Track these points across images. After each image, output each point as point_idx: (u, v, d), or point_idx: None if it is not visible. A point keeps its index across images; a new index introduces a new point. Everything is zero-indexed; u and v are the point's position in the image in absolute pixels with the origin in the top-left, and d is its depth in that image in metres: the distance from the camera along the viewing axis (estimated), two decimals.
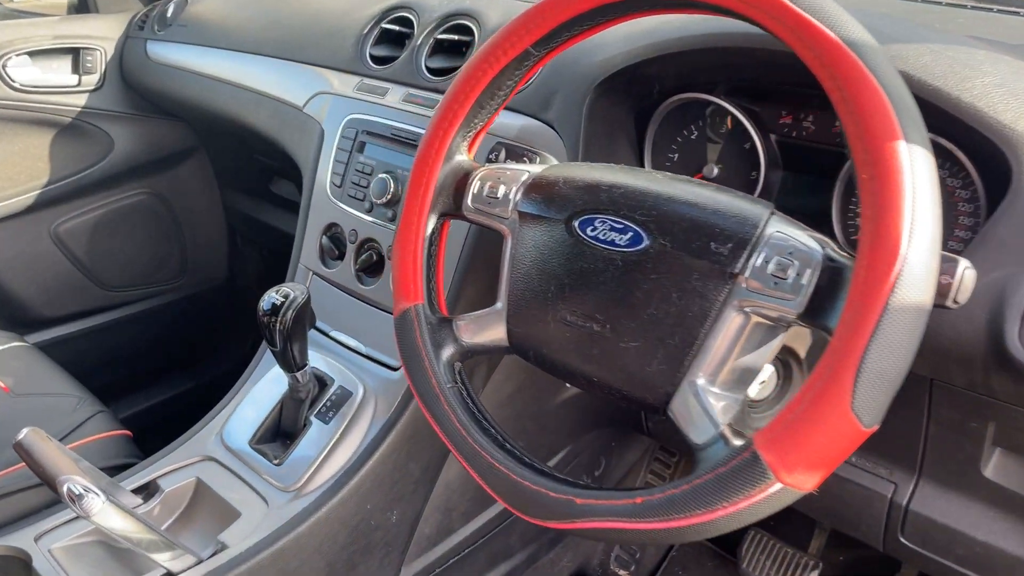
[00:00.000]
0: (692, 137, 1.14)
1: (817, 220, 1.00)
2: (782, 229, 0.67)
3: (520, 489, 0.72)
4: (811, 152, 1.04)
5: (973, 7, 1.16)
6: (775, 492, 0.59)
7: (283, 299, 1.08)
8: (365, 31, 1.38)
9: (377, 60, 1.34)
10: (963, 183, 0.90)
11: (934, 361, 0.83)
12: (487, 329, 0.83)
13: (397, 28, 1.34)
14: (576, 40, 0.81)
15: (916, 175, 0.56)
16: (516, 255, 0.81)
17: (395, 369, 1.21)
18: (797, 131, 1.05)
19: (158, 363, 2.22)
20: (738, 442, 0.64)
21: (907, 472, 1.08)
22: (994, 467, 0.99)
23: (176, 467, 1.20)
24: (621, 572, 1.66)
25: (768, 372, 0.82)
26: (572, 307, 0.75)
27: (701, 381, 0.68)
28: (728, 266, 0.66)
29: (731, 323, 0.67)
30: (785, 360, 0.84)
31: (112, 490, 1.07)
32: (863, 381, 0.56)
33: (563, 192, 0.78)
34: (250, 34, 1.59)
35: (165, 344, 2.22)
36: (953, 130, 0.82)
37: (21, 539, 1.05)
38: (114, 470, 1.22)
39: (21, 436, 0.97)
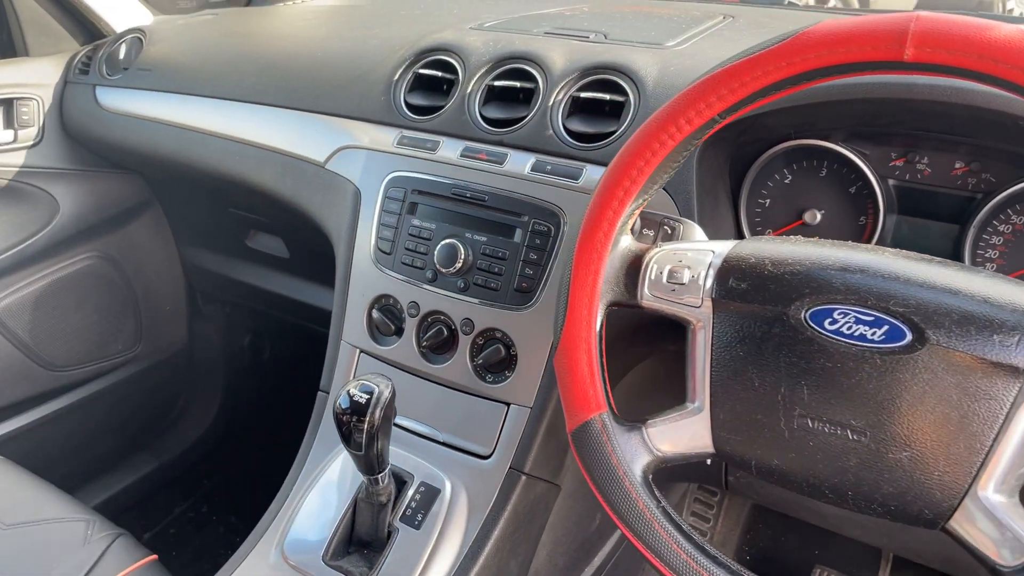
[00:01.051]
0: (785, 182, 1.08)
1: None
2: None
3: None
4: (927, 195, 1.01)
5: None
6: None
7: (367, 395, 0.93)
8: (396, 77, 1.23)
9: (415, 109, 1.20)
10: None
11: None
12: (686, 435, 0.73)
13: (437, 73, 1.21)
14: (762, 103, 0.72)
15: None
16: (719, 349, 0.71)
17: (484, 457, 1.09)
18: (911, 174, 1.01)
19: (119, 444, 1.96)
20: None
21: None
22: None
23: None
24: None
25: None
26: (815, 412, 0.66)
27: (990, 492, 0.61)
28: (1019, 362, 0.60)
29: (1022, 424, 0.61)
30: None
31: None
32: None
33: (775, 276, 0.69)
34: (242, 80, 1.40)
35: (125, 423, 1.97)
36: None
37: None
38: None
39: None
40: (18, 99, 1.60)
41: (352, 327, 1.20)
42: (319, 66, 1.34)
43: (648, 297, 0.75)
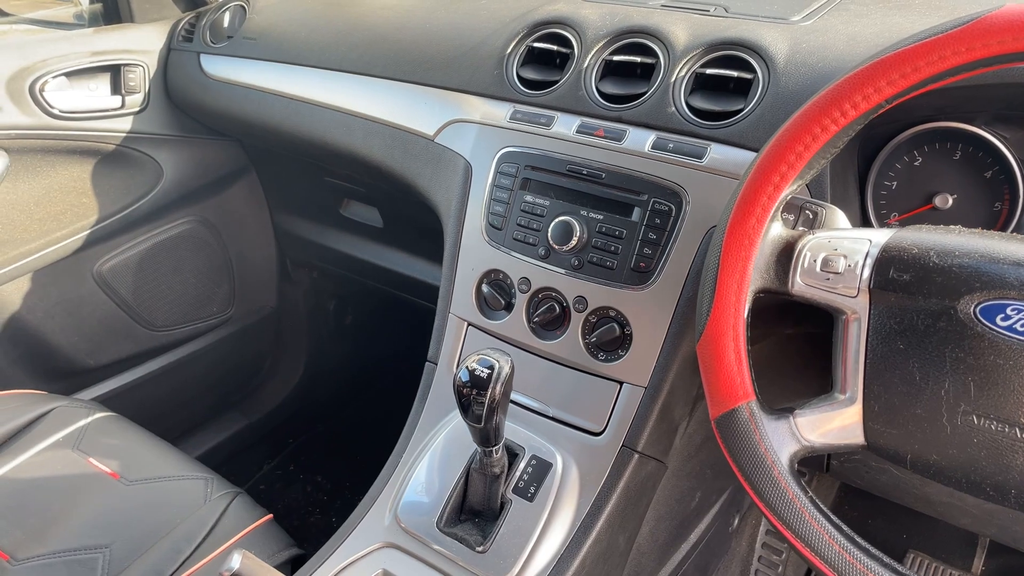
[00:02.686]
0: (915, 165, 1.05)
1: None
2: None
3: None
4: None
5: None
6: None
7: (488, 370, 0.94)
8: (508, 51, 1.23)
9: (528, 84, 1.20)
10: None
11: None
12: (835, 425, 0.73)
13: (552, 47, 1.19)
14: (928, 89, 0.70)
15: None
16: (877, 341, 0.70)
17: (595, 434, 1.09)
18: None
19: (212, 402, 2.04)
20: None
21: None
22: None
23: (356, 558, 1.07)
24: None
25: None
26: (982, 409, 0.65)
27: None
28: None
29: None
30: None
31: None
32: None
33: (942, 268, 0.67)
34: (350, 52, 1.41)
35: (218, 382, 2.04)
36: None
37: None
38: (287, 566, 1.08)
39: (236, 566, 0.82)
40: (125, 65, 1.63)
41: (460, 300, 1.22)
42: (428, 38, 1.34)
43: (800, 285, 0.74)
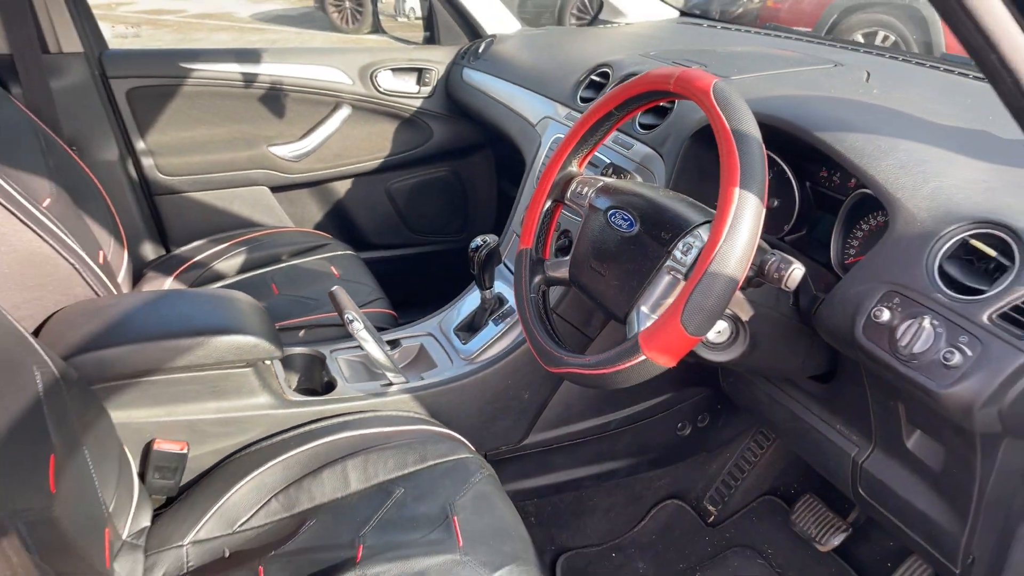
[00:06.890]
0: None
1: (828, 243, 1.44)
2: (700, 230, 1.19)
3: (544, 350, 1.33)
4: (831, 199, 1.48)
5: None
6: (641, 361, 1.14)
7: (482, 242, 1.79)
8: (581, 78, 2.03)
9: (584, 100, 1.98)
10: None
11: (834, 342, 1.26)
12: (560, 270, 1.44)
13: (599, 79, 1.97)
14: (637, 112, 1.38)
15: (740, 207, 1.07)
16: (583, 229, 1.40)
17: None
18: (828, 183, 1.49)
19: (435, 290, 3.10)
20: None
21: (865, 438, 1.46)
22: (914, 441, 1.35)
23: (413, 335, 1.98)
24: (710, 507, 2.12)
25: (723, 326, 1.32)
26: (595, 260, 1.33)
27: (644, 308, 1.23)
28: (666, 246, 1.21)
29: (663, 278, 1.21)
30: (735, 319, 1.34)
31: (373, 332, 1.87)
32: (688, 309, 1.08)
33: (610, 194, 1.36)
34: (520, 71, 2.32)
35: (441, 279, 3.09)
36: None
37: (323, 348, 1.89)
38: (378, 330, 2.04)
39: (333, 289, 1.79)
40: (425, 69, 2.74)
41: (517, 222, 2.05)
42: (558, 66, 2.19)
43: (567, 199, 1.46)
